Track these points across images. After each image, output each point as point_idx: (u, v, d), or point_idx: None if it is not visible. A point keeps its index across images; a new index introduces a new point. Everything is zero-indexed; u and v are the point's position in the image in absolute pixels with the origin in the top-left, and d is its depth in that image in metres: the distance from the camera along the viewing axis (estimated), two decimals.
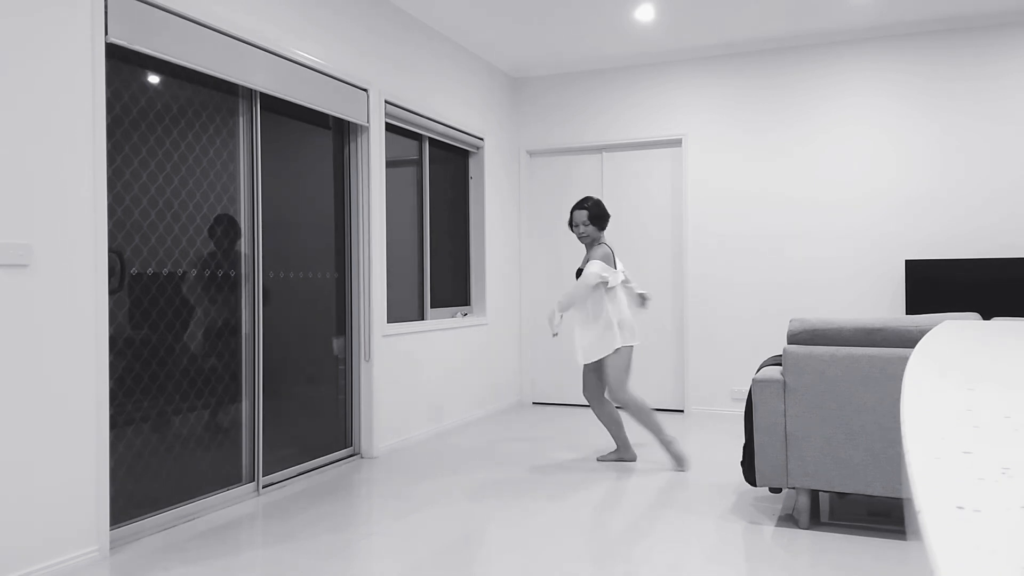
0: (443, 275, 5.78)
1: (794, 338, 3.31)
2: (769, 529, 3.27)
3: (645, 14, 5.24)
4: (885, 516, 3.43)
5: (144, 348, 3.35)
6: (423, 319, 5.44)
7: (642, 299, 4.55)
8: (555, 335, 4.26)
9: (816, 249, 5.79)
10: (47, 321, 2.80)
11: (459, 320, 5.74)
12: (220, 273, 3.75)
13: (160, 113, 3.43)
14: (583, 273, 4.27)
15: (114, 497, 3.16)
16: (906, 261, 5.38)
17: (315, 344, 4.45)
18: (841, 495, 3.75)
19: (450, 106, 5.63)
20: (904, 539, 3.11)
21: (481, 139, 6.08)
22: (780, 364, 3.46)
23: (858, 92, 5.67)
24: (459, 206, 6.05)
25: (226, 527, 3.37)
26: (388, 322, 4.97)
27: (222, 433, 3.77)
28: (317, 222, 4.46)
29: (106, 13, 3.02)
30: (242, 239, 3.88)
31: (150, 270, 3.37)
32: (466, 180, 6.13)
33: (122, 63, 3.24)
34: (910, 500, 0.52)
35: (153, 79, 3.41)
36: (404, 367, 5.04)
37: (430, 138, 5.55)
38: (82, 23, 2.93)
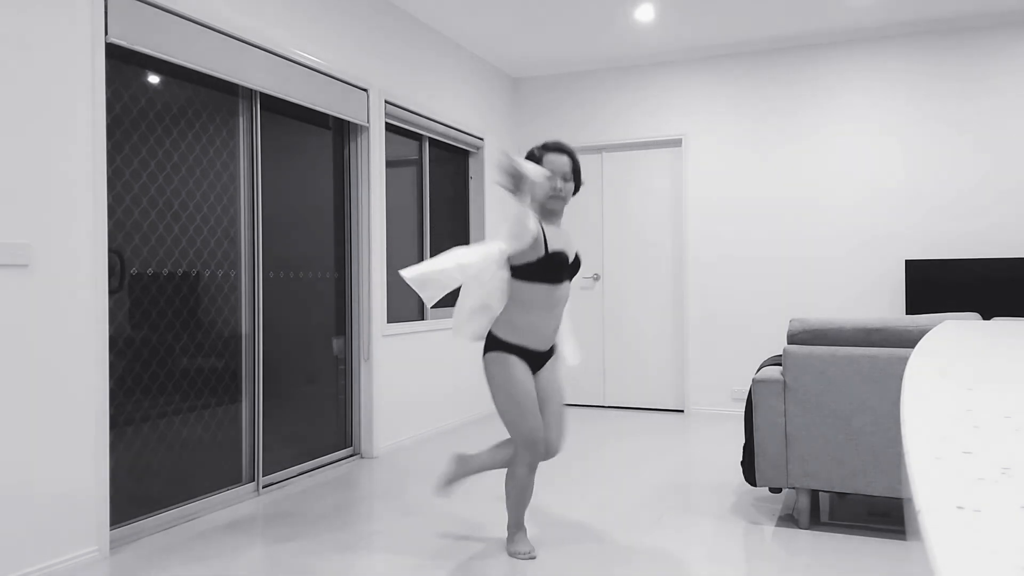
0: None
1: (794, 338, 3.31)
2: (769, 529, 3.27)
3: (645, 14, 5.24)
4: (885, 516, 3.43)
5: (144, 348, 3.35)
6: (423, 319, 5.44)
7: None
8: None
9: (816, 249, 5.78)
10: (47, 321, 2.80)
11: None
12: (220, 273, 3.75)
13: (160, 113, 3.43)
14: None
15: (114, 497, 3.16)
16: (906, 261, 5.38)
17: (315, 344, 4.44)
18: (841, 495, 3.75)
19: (450, 106, 5.63)
20: (904, 539, 3.11)
21: (481, 139, 6.07)
22: (780, 364, 3.46)
23: (858, 92, 5.67)
24: (459, 206, 6.05)
25: (226, 527, 3.37)
26: (388, 322, 4.97)
27: (222, 433, 3.77)
28: (317, 222, 4.46)
29: (106, 13, 3.02)
30: (242, 239, 3.88)
31: (150, 270, 3.37)
32: (466, 180, 6.13)
33: (122, 63, 3.24)
34: (910, 500, 0.52)
35: (153, 79, 3.41)
36: (404, 367, 5.03)
37: (430, 138, 5.55)
38: (82, 23, 2.93)
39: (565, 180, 2.83)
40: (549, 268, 2.77)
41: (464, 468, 3.08)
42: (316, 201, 4.45)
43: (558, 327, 2.94)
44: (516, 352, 2.83)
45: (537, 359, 2.91)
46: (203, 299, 3.65)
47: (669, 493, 3.84)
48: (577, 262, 2.96)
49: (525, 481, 2.92)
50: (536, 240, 2.73)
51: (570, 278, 2.91)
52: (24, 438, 2.71)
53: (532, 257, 2.76)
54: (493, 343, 2.84)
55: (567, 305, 2.99)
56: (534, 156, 2.85)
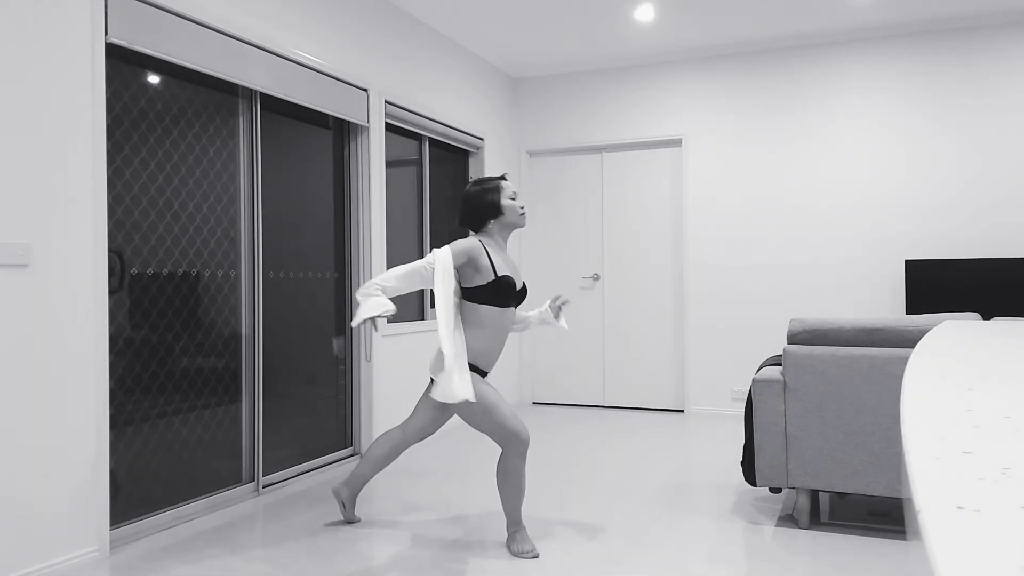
0: None
1: (794, 338, 3.31)
2: (769, 529, 3.27)
3: (645, 14, 5.24)
4: (885, 516, 3.43)
5: (144, 348, 3.35)
6: (423, 319, 5.44)
7: None
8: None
9: (816, 248, 5.78)
10: (47, 321, 2.80)
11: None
12: (220, 273, 3.75)
13: (160, 113, 3.43)
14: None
15: (114, 497, 3.16)
16: (906, 261, 5.38)
17: (315, 344, 4.44)
18: (841, 495, 3.75)
19: (450, 106, 5.63)
20: (904, 539, 3.11)
21: (481, 139, 6.08)
22: (780, 364, 3.46)
23: (858, 92, 5.67)
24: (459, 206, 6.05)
25: (226, 527, 3.37)
26: (388, 322, 4.97)
27: (222, 433, 3.77)
28: (317, 222, 4.46)
29: (106, 13, 3.02)
30: (242, 239, 3.88)
31: (150, 270, 3.37)
32: (466, 180, 6.13)
33: (122, 63, 3.24)
34: (910, 500, 0.52)
35: (153, 79, 3.41)
36: (405, 367, 5.03)
37: (430, 138, 5.55)
38: (82, 23, 2.93)
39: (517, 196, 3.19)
40: (498, 292, 3.01)
41: (352, 488, 3.34)
42: (316, 201, 4.45)
43: (501, 352, 3.20)
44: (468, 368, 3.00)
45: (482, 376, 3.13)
46: (203, 299, 3.65)
47: (669, 493, 3.84)
48: (524, 290, 3.19)
49: (519, 473, 3.01)
50: (482, 265, 3.00)
51: (516, 304, 3.13)
52: (24, 438, 2.71)
53: (481, 280, 3.00)
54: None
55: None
56: (497, 184, 3.14)
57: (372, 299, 2.89)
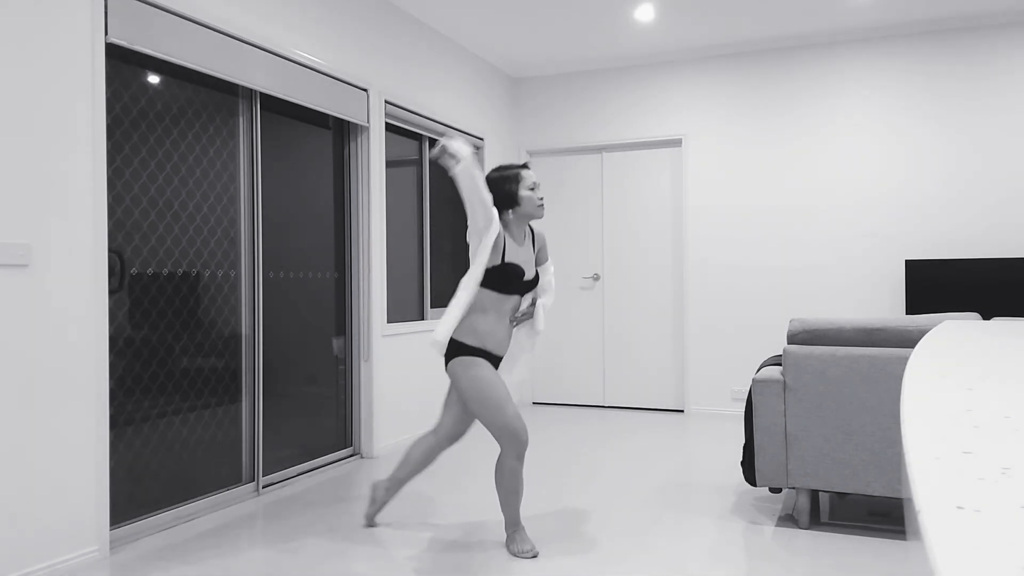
0: (443, 275, 5.78)
1: (794, 338, 3.31)
2: (769, 529, 3.27)
3: (645, 14, 5.24)
4: (885, 516, 3.43)
5: (144, 348, 3.35)
6: (423, 319, 5.44)
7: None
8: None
9: (816, 248, 5.78)
10: (47, 321, 2.80)
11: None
12: (220, 273, 3.75)
13: (160, 113, 3.43)
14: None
15: (114, 497, 3.16)
16: (906, 261, 5.38)
17: (315, 344, 4.44)
18: (841, 495, 3.75)
19: (450, 106, 5.63)
20: (904, 539, 3.11)
21: (481, 139, 6.07)
22: (780, 364, 3.46)
23: (858, 92, 5.67)
24: (459, 206, 6.05)
25: (226, 527, 3.37)
26: (388, 322, 4.97)
27: (222, 433, 3.76)
28: (317, 222, 4.46)
29: (106, 13, 3.02)
30: (242, 239, 3.88)
31: (150, 270, 3.37)
32: None
33: (122, 63, 3.24)
34: (910, 500, 0.52)
35: (153, 79, 3.41)
36: (404, 367, 5.03)
37: (430, 138, 5.55)
38: (82, 23, 2.93)
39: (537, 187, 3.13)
40: (501, 276, 2.99)
41: (388, 490, 3.31)
42: (316, 201, 4.45)
43: (510, 335, 3.16)
44: (478, 354, 3.00)
45: (494, 363, 3.10)
46: (203, 299, 3.65)
47: (669, 493, 3.84)
48: (535, 281, 3.16)
49: (516, 473, 2.98)
50: (499, 245, 2.97)
51: (521, 293, 3.11)
52: (24, 438, 2.71)
53: (489, 263, 2.97)
54: (456, 349, 3.01)
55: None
56: (517, 174, 3.08)
57: (469, 160, 2.83)
